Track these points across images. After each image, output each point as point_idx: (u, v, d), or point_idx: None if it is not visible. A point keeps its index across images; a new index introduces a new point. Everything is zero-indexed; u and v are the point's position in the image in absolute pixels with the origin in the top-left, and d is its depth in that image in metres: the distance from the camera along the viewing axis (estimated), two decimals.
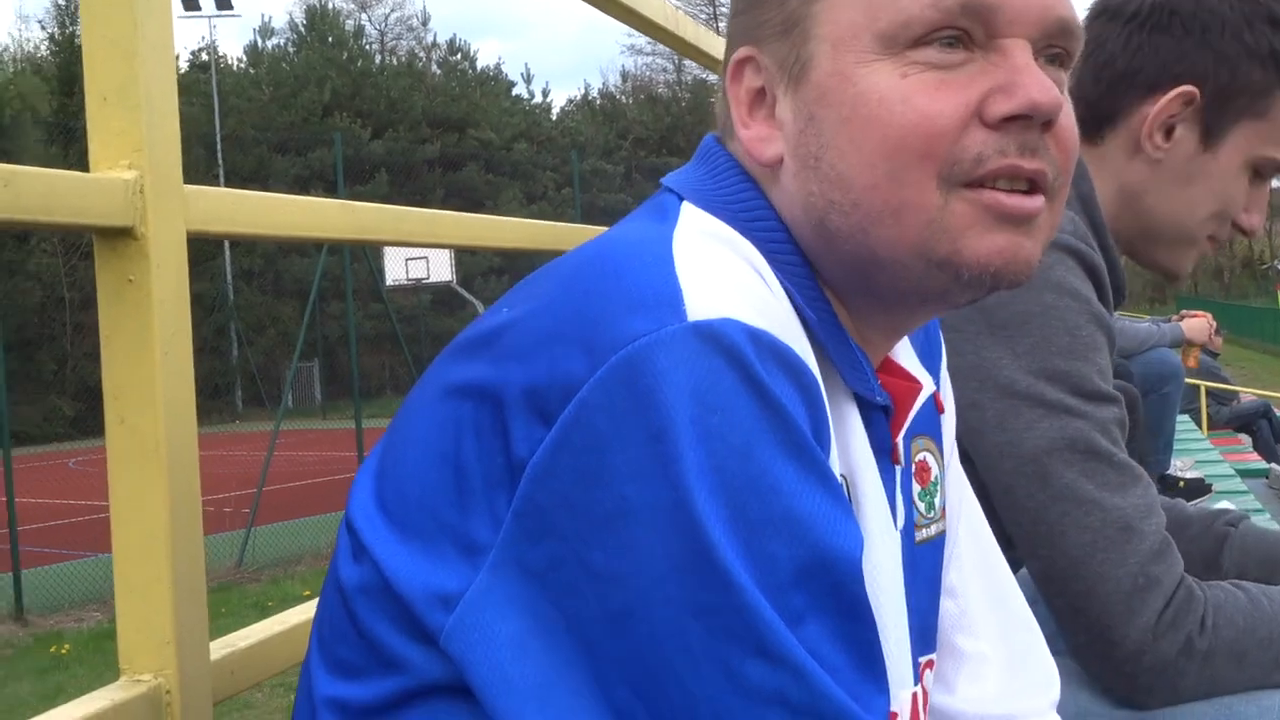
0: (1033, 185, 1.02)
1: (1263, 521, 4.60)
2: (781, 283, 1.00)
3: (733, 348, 0.87)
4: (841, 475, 1.02)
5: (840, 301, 1.07)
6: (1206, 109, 1.73)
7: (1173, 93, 1.72)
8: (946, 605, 1.28)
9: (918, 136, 0.98)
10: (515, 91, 48.11)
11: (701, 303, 0.89)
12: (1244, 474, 7.83)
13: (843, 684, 0.87)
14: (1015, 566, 1.42)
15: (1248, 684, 1.53)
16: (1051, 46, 1.04)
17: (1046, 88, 0.99)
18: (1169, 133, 1.75)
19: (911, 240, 1.00)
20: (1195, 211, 1.77)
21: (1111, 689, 1.56)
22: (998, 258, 1.01)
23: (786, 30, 1.04)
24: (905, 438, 1.15)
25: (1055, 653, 1.37)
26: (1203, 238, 1.80)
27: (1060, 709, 1.33)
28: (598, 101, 53.64)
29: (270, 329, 37.49)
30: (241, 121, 39.69)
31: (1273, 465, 11.05)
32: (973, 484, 1.35)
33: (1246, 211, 1.79)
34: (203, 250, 32.50)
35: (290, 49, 44.44)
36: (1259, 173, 1.77)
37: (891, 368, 1.15)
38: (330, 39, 44.29)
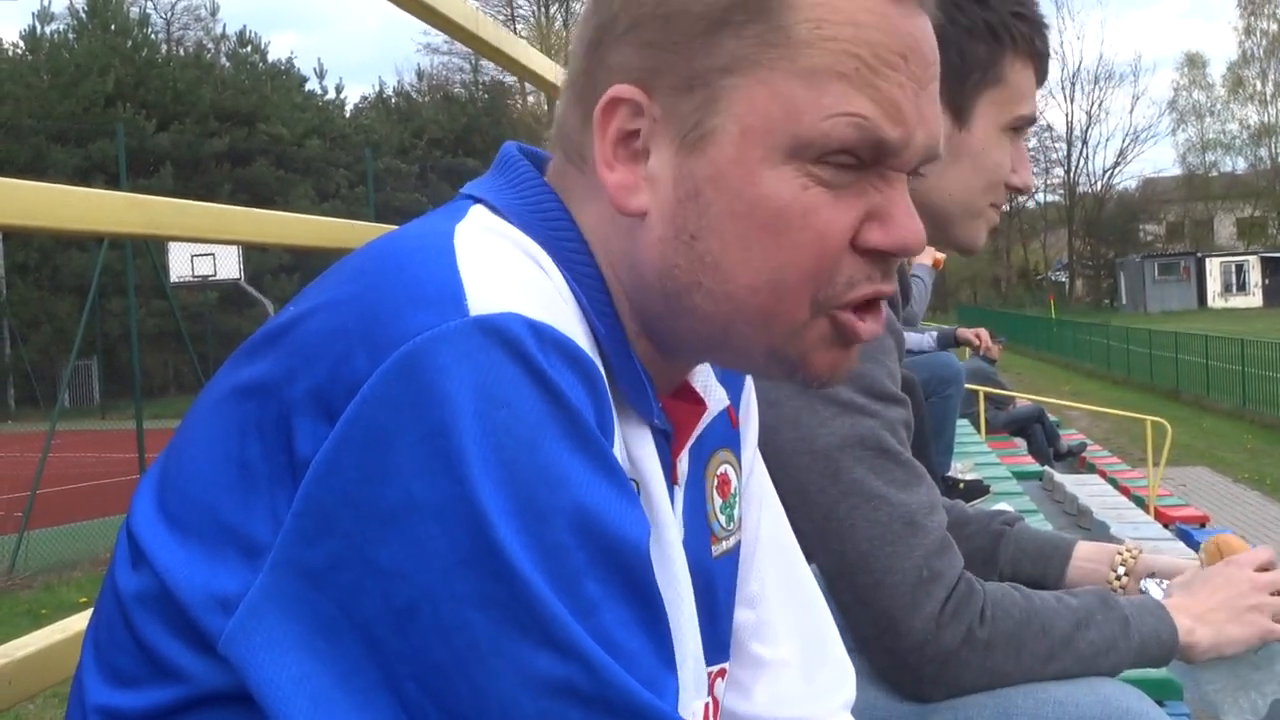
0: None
1: (1036, 522, 4.79)
2: (572, 288, 1.00)
3: (515, 341, 0.87)
4: (632, 480, 1.02)
5: (635, 326, 1.06)
6: (948, 91, 1.80)
7: None
8: (744, 615, 1.29)
9: (810, 257, 0.99)
10: (308, 87, 47.08)
11: (483, 297, 0.88)
12: (1019, 476, 8.15)
13: (642, 669, 0.88)
14: None
15: (1025, 675, 1.59)
16: None
17: (919, 229, 1.01)
18: None
19: (769, 343, 1.02)
20: (970, 185, 1.84)
21: (897, 682, 1.60)
22: (830, 372, 1.04)
23: (689, 88, 0.99)
24: (701, 453, 1.16)
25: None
26: (985, 207, 1.87)
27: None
28: (393, 100, 52.95)
29: (46, 325, 35.98)
30: (18, 109, 38.00)
31: (1046, 468, 11.55)
32: None
33: (1015, 172, 1.86)
34: None
35: (71, 36, 42.71)
36: (1016, 131, 1.85)
37: (681, 389, 1.15)
38: (113, 27, 42.69)
